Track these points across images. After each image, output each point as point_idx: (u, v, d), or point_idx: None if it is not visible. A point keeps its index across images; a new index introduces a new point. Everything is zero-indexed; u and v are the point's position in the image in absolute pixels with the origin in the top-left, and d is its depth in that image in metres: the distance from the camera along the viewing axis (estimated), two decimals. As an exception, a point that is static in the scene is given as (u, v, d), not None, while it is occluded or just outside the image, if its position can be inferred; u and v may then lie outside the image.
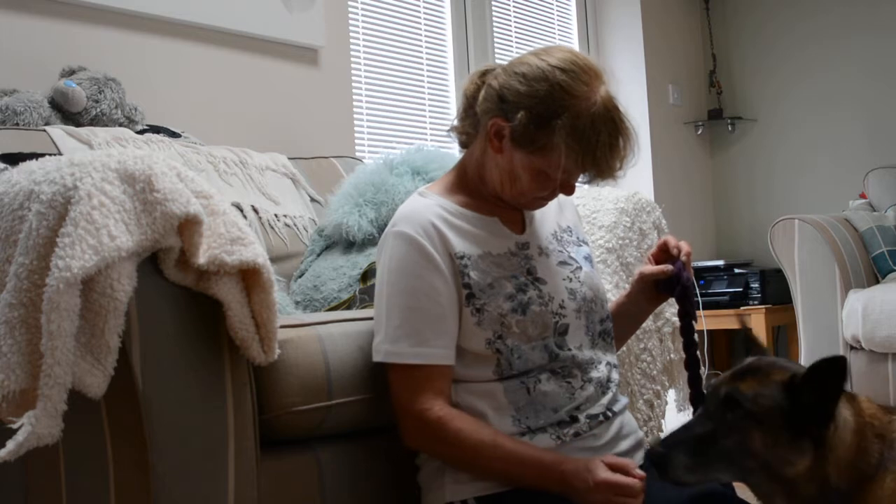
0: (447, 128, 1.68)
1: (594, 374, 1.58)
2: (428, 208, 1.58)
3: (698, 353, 1.70)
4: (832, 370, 1.31)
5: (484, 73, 1.61)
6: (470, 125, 1.62)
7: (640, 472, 1.44)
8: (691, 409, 1.69)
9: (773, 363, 1.41)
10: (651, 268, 1.67)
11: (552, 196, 1.60)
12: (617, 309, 1.75)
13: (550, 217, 1.70)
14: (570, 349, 1.57)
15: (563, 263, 1.63)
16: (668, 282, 1.66)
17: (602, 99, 1.51)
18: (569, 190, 1.58)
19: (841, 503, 1.34)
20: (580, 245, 1.71)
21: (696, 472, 1.34)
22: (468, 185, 1.63)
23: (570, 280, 1.62)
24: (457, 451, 1.49)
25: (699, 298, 1.72)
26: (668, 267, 1.65)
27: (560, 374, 1.55)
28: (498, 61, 4.13)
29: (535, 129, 1.50)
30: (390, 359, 1.51)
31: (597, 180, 1.57)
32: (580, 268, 1.65)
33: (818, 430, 1.33)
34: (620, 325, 1.74)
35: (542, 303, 1.56)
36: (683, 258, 1.66)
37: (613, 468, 1.44)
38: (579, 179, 1.58)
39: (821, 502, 1.35)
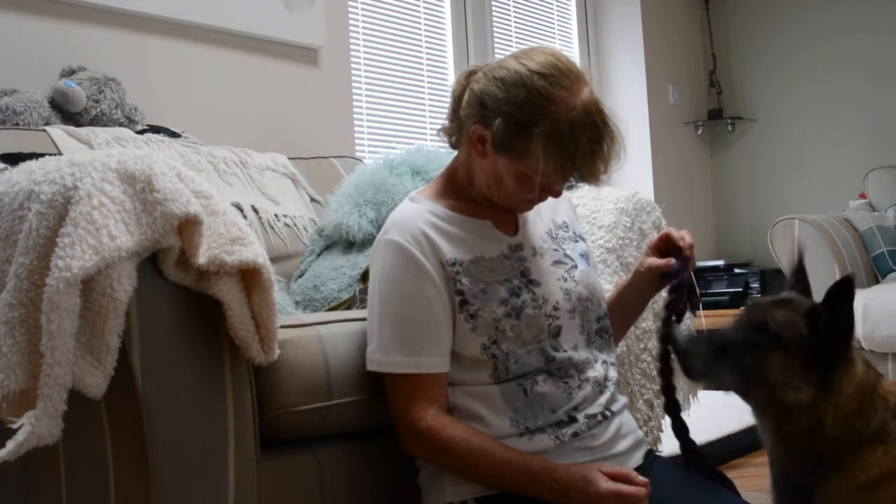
0: (438, 128, 1.67)
1: (591, 373, 1.58)
2: (418, 215, 1.57)
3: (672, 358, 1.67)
4: (843, 292, 1.38)
5: (469, 75, 1.59)
6: (457, 127, 1.61)
7: (643, 479, 1.44)
8: (669, 419, 1.68)
9: (808, 300, 1.46)
10: (658, 261, 1.66)
11: (542, 198, 1.59)
12: (618, 297, 1.75)
13: (545, 215, 1.68)
14: (565, 350, 1.56)
15: (558, 263, 1.63)
16: (671, 273, 1.65)
17: (583, 103, 1.48)
18: (554, 193, 1.57)
19: (830, 455, 1.38)
20: (577, 241, 1.70)
21: (708, 371, 1.43)
22: (459, 188, 1.62)
23: (566, 280, 1.61)
24: (449, 459, 1.50)
25: (699, 298, 1.70)
26: (672, 261, 1.64)
27: (557, 374, 1.55)
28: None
29: (514, 136, 1.49)
30: (383, 368, 1.51)
31: (582, 183, 1.56)
32: (576, 266, 1.64)
33: (828, 365, 1.38)
34: (621, 313, 1.74)
35: (536, 306, 1.55)
36: (687, 252, 1.65)
37: (614, 478, 1.43)
38: (566, 183, 1.56)
39: (808, 443, 1.40)
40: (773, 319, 1.40)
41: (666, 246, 1.67)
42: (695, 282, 1.65)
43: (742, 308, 1.49)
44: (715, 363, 1.41)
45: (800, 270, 1.53)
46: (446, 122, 1.64)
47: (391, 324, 1.51)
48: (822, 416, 1.38)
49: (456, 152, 1.65)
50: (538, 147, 1.47)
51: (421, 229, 1.54)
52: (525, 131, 1.47)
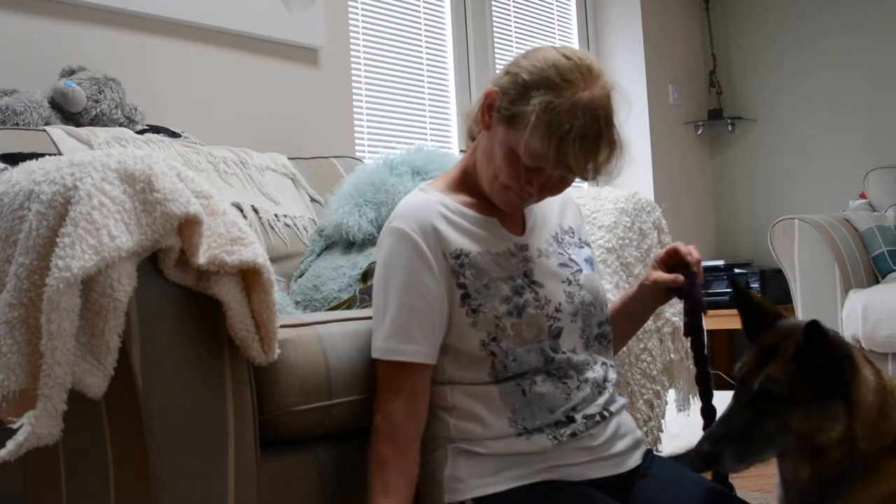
0: (465, 112, 1.67)
1: (590, 374, 1.58)
2: (428, 204, 1.57)
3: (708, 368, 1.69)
4: (818, 331, 1.35)
5: None
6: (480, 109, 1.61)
7: None
8: (702, 423, 1.67)
9: (783, 333, 1.42)
10: (665, 276, 1.66)
11: (525, 193, 1.54)
12: (622, 308, 1.74)
13: (552, 218, 1.69)
14: (564, 352, 1.56)
15: (562, 266, 1.62)
16: (678, 289, 1.66)
17: (594, 96, 1.48)
18: (539, 186, 1.52)
19: (862, 471, 1.37)
20: (582, 247, 1.70)
21: (744, 460, 1.39)
22: (470, 183, 1.62)
23: (569, 283, 1.61)
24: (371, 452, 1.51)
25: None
26: (680, 277, 1.64)
27: (556, 375, 1.55)
28: (498, 61, 4.14)
29: (515, 97, 1.49)
30: (381, 355, 1.51)
31: (571, 176, 1.53)
32: (580, 270, 1.64)
33: (844, 387, 1.36)
34: (625, 323, 1.74)
35: (539, 306, 1.55)
36: (695, 268, 1.64)
37: None
38: (549, 172, 1.51)
39: (844, 467, 1.37)
40: (772, 381, 1.37)
41: (672, 260, 1.67)
42: (704, 304, 1.66)
43: (738, 376, 1.44)
44: (745, 452, 1.38)
45: (743, 294, 1.52)
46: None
47: (391, 311, 1.51)
48: (854, 437, 1.36)
49: (461, 156, 1.66)
50: (532, 114, 1.46)
51: (429, 218, 1.54)
52: (526, 94, 1.48)
